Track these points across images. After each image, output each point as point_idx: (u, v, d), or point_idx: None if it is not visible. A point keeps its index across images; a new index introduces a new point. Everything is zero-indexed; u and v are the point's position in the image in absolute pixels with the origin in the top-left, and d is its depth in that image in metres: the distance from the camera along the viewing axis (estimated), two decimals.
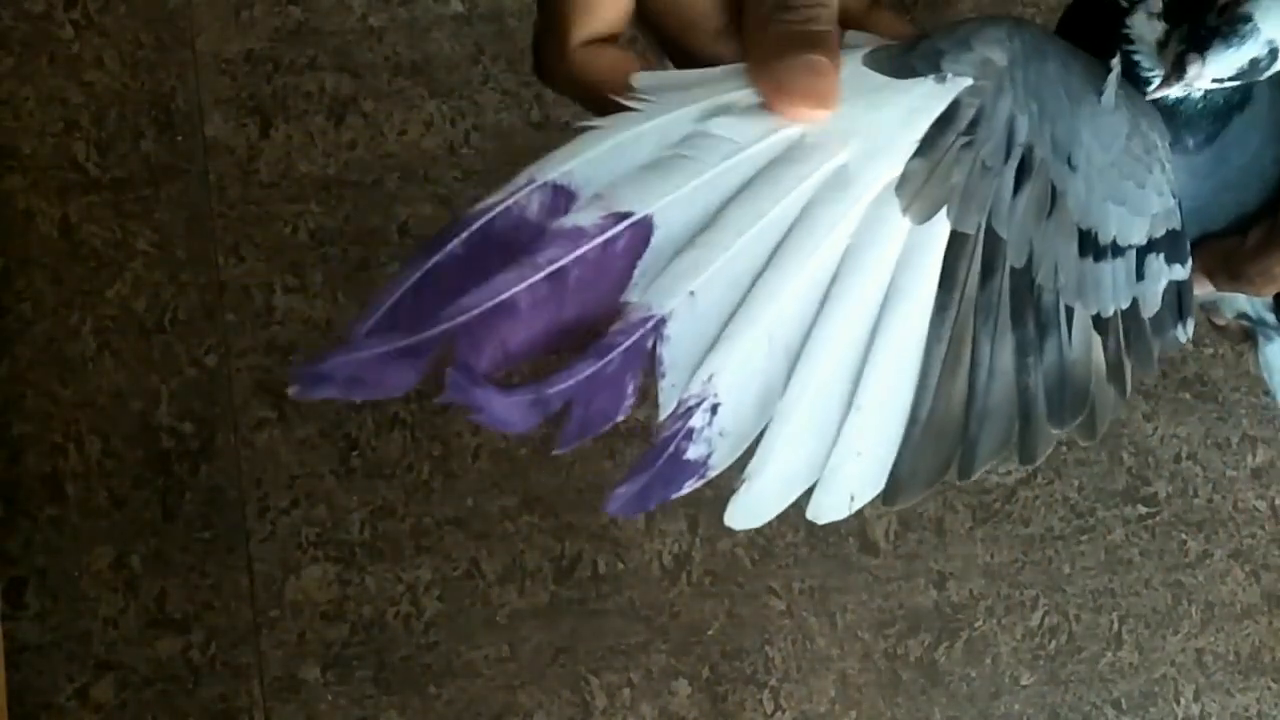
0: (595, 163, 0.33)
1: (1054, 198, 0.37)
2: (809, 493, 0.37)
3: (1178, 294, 0.41)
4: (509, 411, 0.31)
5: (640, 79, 0.34)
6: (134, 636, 1.04)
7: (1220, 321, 0.54)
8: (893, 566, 1.11)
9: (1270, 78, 0.40)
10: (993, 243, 0.36)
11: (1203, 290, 0.46)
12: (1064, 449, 1.13)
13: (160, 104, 1.06)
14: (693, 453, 0.34)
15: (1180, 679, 1.13)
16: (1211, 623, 1.13)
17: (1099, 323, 0.39)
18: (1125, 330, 0.40)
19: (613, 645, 1.08)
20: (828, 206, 0.34)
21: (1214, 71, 0.38)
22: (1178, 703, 1.12)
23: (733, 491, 0.35)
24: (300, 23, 1.08)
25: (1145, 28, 0.40)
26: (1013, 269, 0.37)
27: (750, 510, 0.36)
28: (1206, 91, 0.40)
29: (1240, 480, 1.15)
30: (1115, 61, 0.39)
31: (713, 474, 0.35)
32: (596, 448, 1.08)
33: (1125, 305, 0.39)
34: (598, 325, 0.32)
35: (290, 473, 1.06)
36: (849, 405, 0.36)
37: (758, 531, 1.09)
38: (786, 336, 0.35)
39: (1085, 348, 0.39)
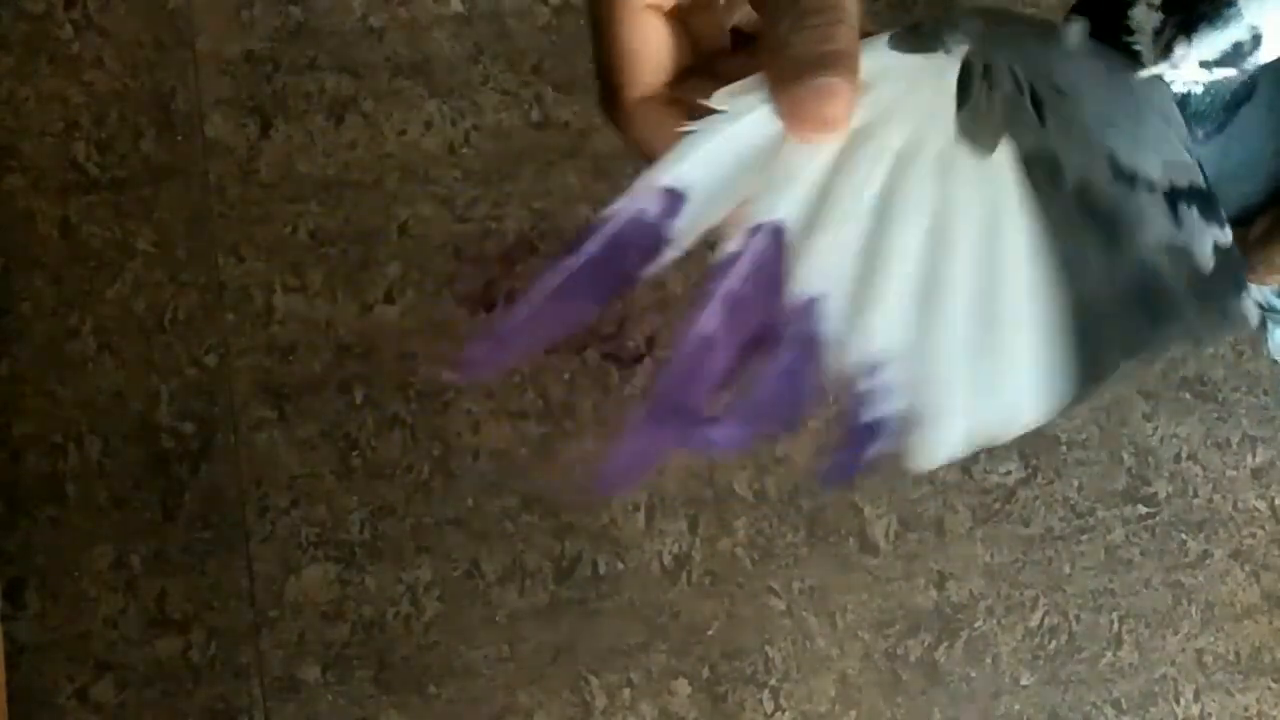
0: (699, 165, 0.36)
1: (1068, 124, 0.40)
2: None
3: (1228, 259, 0.43)
4: (731, 431, 0.35)
5: (719, 95, 0.37)
6: (134, 636, 1.04)
7: None
8: (893, 566, 1.11)
9: (1273, 73, 0.41)
10: (1048, 157, 0.40)
11: None
12: (1064, 449, 1.13)
13: (160, 104, 1.06)
14: (878, 412, 0.37)
15: (1180, 679, 1.13)
16: (1211, 623, 1.13)
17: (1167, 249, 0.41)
18: (1190, 274, 0.41)
19: (613, 645, 1.08)
20: (907, 180, 0.38)
21: (1200, 53, 0.40)
22: (1178, 703, 1.12)
23: (909, 436, 0.38)
24: (300, 23, 1.08)
25: (1144, 18, 0.43)
26: (1075, 179, 0.40)
27: (938, 446, 0.39)
28: (1212, 84, 0.42)
29: (1240, 480, 1.15)
30: (1075, 20, 0.42)
31: (909, 422, 0.37)
32: (596, 447, 1.08)
33: (1174, 244, 0.41)
34: (773, 328, 0.36)
35: (290, 473, 1.06)
36: (997, 323, 0.39)
37: (757, 531, 1.10)
38: (920, 284, 0.38)
39: (1159, 252, 0.41)
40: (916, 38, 0.39)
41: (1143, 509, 1.13)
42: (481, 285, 1.08)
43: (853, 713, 1.10)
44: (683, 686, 1.09)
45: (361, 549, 1.06)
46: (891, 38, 0.39)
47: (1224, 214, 0.43)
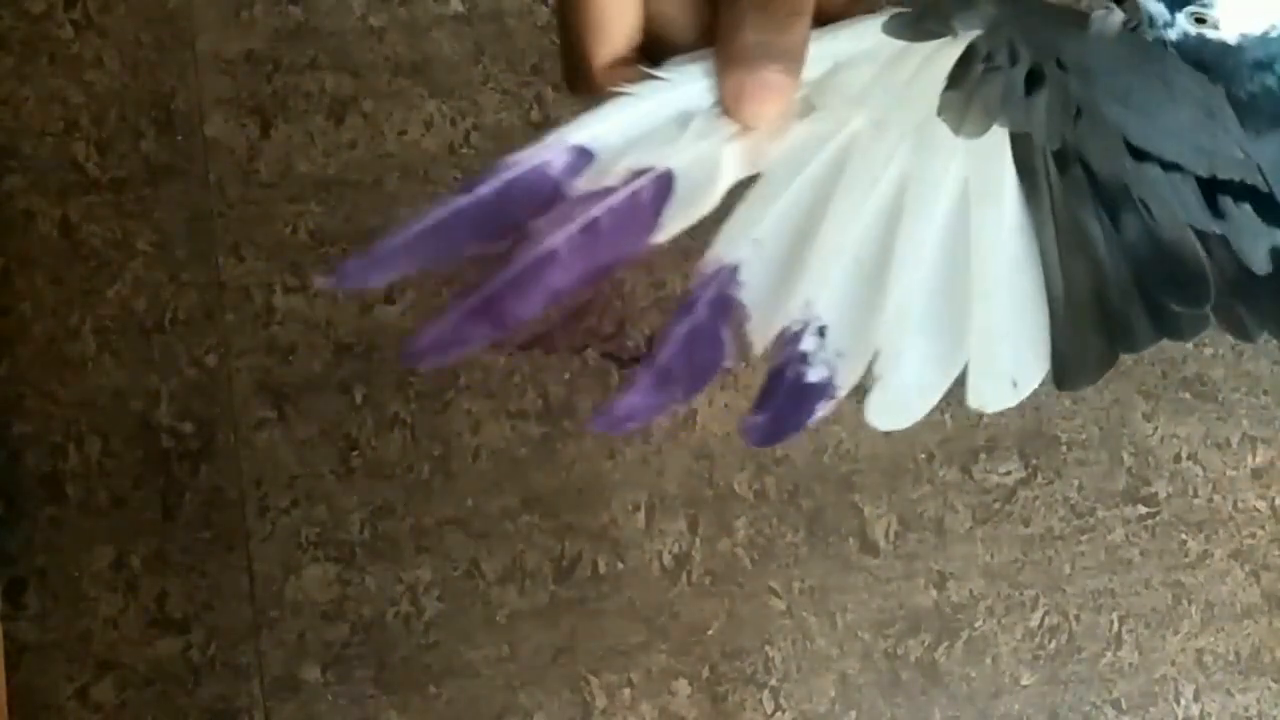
0: (619, 127, 0.36)
1: (1078, 106, 0.39)
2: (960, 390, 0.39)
3: None
4: (645, 397, 0.35)
5: (672, 61, 0.37)
6: (134, 636, 1.04)
7: None
8: (893, 566, 1.11)
9: None
10: (1048, 134, 0.39)
11: None
12: (1064, 449, 1.13)
13: (160, 104, 1.06)
14: (814, 375, 0.37)
15: (1180, 679, 1.13)
16: (1211, 623, 1.13)
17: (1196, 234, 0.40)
18: (1227, 264, 0.40)
19: (613, 645, 1.08)
20: (865, 157, 0.37)
21: None
22: (1178, 703, 1.12)
23: (865, 392, 0.37)
24: (300, 23, 1.08)
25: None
26: (1081, 161, 0.39)
27: (895, 407, 0.38)
28: (1263, 80, 0.42)
29: (1240, 480, 1.15)
30: (1110, 8, 0.41)
31: (841, 393, 0.37)
32: (596, 447, 1.08)
33: (1207, 229, 0.40)
34: (629, 264, 0.36)
35: (290, 473, 1.06)
36: (968, 295, 0.38)
37: (757, 531, 1.10)
38: (873, 256, 0.37)
39: (1179, 229, 0.39)
40: (918, 24, 0.38)
41: (1143, 509, 1.13)
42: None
43: (853, 713, 1.10)
44: (683, 686, 1.09)
45: (361, 549, 1.06)
46: (888, 21, 0.38)
47: None
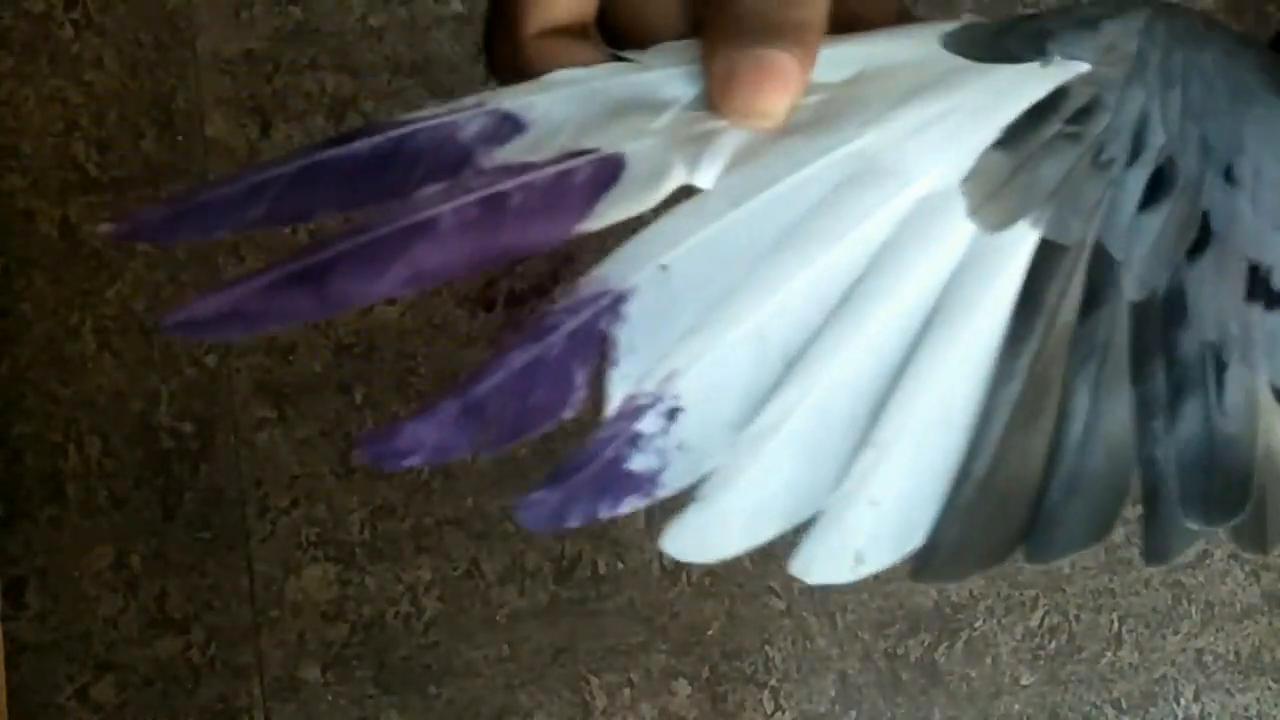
0: (564, 100, 0.28)
1: (1206, 223, 0.28)
2: (795, 539, 0.30)
3: None
4: (442, 433, 0.27)
5: (652, 49, 0.29)
6: (134, 636, 1.04)
7: None
8: (893, 566, 1.10)
9: None
10: (1102, 263, 0.28)
11: None
12: None
13: (160, 104, 1.06)
14: (638, 464, 0.29)
15: (1180, 679, 1.13)
16: (1211, 623, 1.13)
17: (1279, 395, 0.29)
18: None
19: (613, 645, 1.08)
20: (857, 192, 0.28)
21: None
22: (1178, 703, 1.12)
23: (680, 509, 0.30)
24: (300, 23, 1.08)
25: None
26: (1135, 304, 0.29)
27: (698, 538, 0.30)
28: None
29: None
30: None
31: (663, 493, 0.29)
32: None
33: None
34: (538, 254, 0.28)
35: (290, 473, 1.06)
36: (864, 437, 0.29)
37: None
38: (786, 340, 0.28)
39: (1248, 422, 0.29)
40: (1000, 41, 0.28)
41: (1143, 509, 1.13)
42: (481, 285, 1.08)
43: (853, 713, 1.10)
44: (683, 686, 1.09)
45: (361, 549, 1.06)
46: (957, 32, 0.28)
47: None
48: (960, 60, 0.28)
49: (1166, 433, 0.29)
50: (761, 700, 1.09)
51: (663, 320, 0.28)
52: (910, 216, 0.28)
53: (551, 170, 0.27)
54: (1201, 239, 0.28)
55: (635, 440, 0.28)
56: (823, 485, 0.29)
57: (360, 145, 0.27)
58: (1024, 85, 0.28)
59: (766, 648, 1.09)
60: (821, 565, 0.31)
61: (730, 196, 0.27)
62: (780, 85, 0.27)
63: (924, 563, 0.31)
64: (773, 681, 1.09)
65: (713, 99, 0.27)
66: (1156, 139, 0.28)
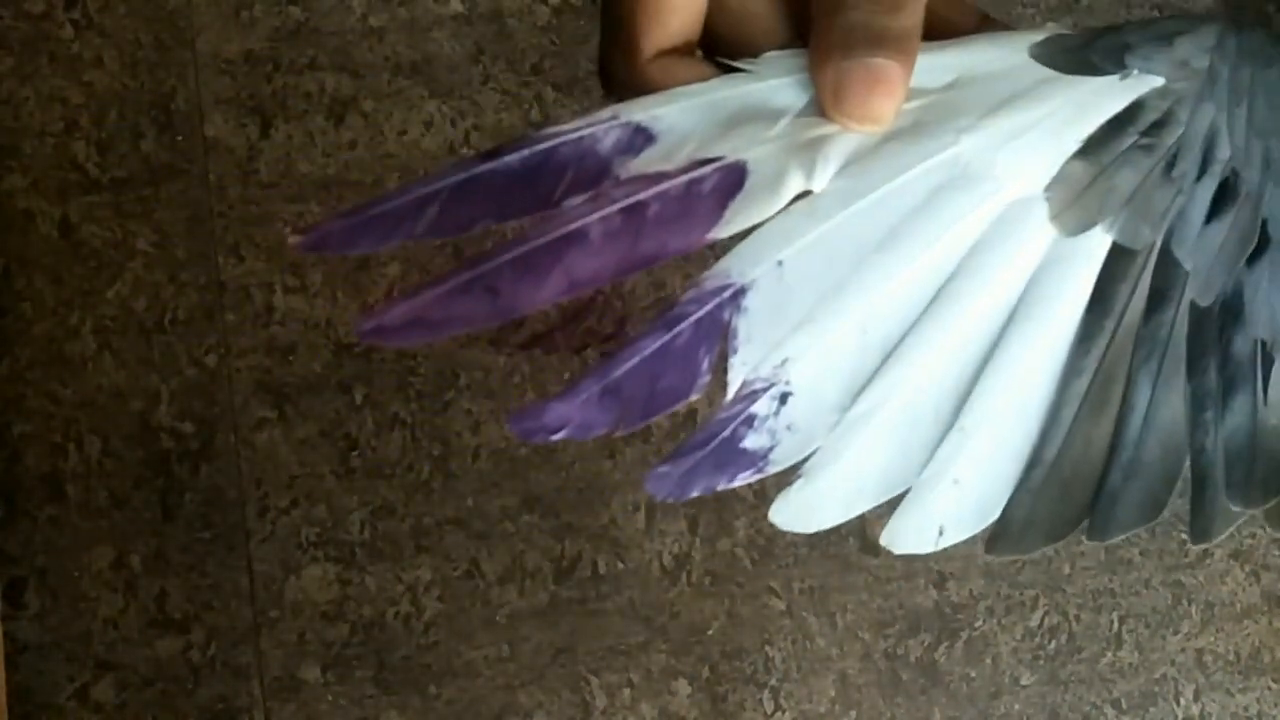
0: (689, 111, 0.30)
1: (1265, 231, 0.31)
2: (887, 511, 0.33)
3: None
4: (585, 412, 0.30)
5: (764, 57, 0.31)
6: (134, 636, 1.04)
7: None
8: (893, 566, 1.11)
9: None
10: (1169, 268, 0.31)
11: None
12: None
13: (160, 104, 1.06)
14: (751, 441, 0.31)
15: (1180, 679, 1.13)
16: (1211, 623, 1.13)
17: None
18: None
19: (613, 645, 1.08)
20: (953, 196, 0.30)
21: None
22: (1178, 703, 1.12)
23: (786, 485, 0.32)
24: (300, 23, 1.08)
25: None
26: (1195, 305, 0.31)
27: (803, 511, 0.32)
28: None
29: None
30: None
31: (772, 469, 0.32)
32: (596, 446, 1.08)
33: None
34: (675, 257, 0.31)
35: (290, 473, 1.06)
36: (950, 423, 0.32)
37: (757, 531, 1.09)
38: (885, 331, 0.31)
39: None
40: (1083, 53, 0.30)
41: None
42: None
43: (853, 713, 1.10)
44: (683, 686, 1.09)
45: (361, 549, 1.06)
46: (1043, 43, 0.30)
47: None
48: (1047, 71, 0.30)
49: (1216, 423, 0.32)
50: (761, 700, 1.09)
51: (777, 312, 0.30)
52: (999, 220, 0.30)
53: (683, 179, 0.29)
54: (1260, 246, 0.31)
55: (750, 420, 0.31)
56: (912, 465, 0.32)
57: (511, 159, 0.29)
58: (1104, 98, 0.30)
59: (766, 648, 1.09)
60: (907, 537, 0.33)
61: (840, 198, 0.30)
62: (886, 91, 0.29)
63: (997, 537, 0.33)
64: (773, 681, 1.09)
65: (824, 105, 0.30)
66: (1223, 152, 0.30)
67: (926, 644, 1.11)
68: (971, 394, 0.31)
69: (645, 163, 0.30)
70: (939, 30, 0.31)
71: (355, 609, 1.06)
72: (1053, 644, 1.12)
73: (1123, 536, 0.33)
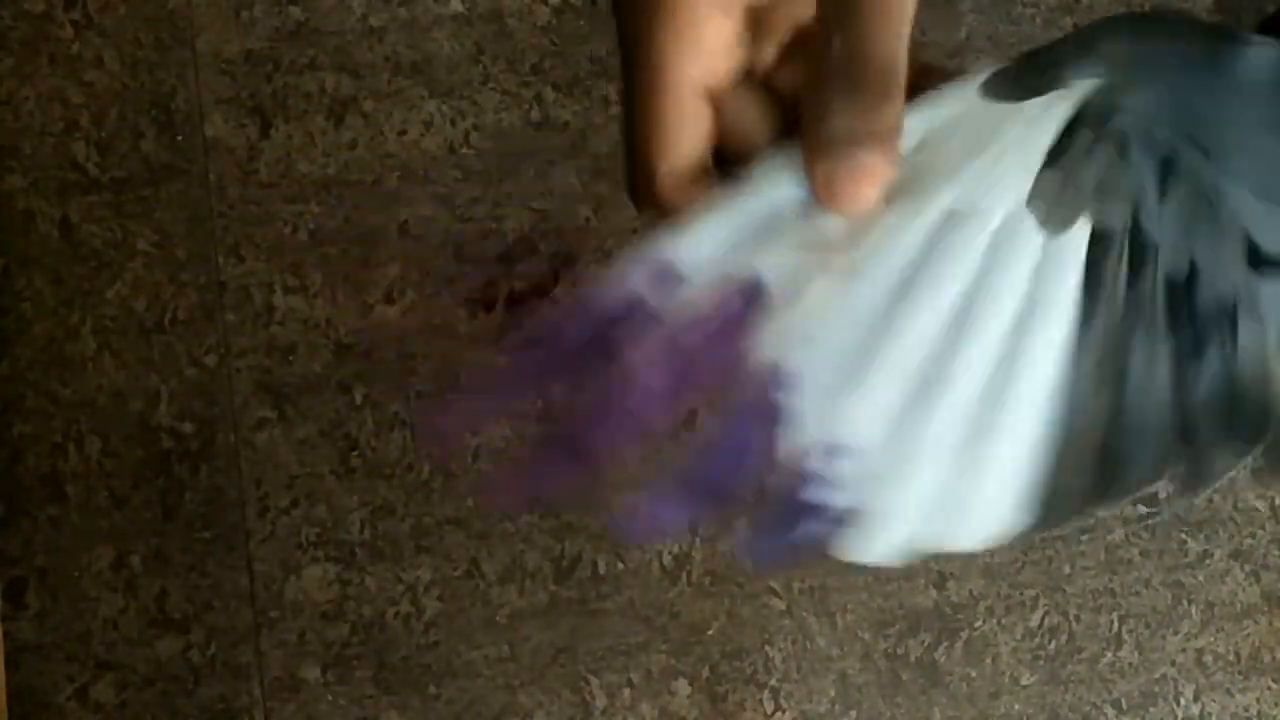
0: (706, 238, 0.33)
1: (1208, 199, 0.34)
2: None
3: None
4: (677, 512, 0.33)
5: (755, 165, 0.34)
6: (134, 636, 1.04)
7: None
8: (892, 566, 1.11)
9: None
10: (1142, 243, 0.34)
11: None
12: None
13: (160, 104, 1.07)
14: (811, 495, 0.34)
15: (1180, 679, 1.13)
16: (1211, 623, 1.13)
17: None
18: None
19: (613, 645, 1.08)
20: (950, 239, 0.33)
21: None
22: (1178, 703, 1.12)
23: (847, 529, 0.35)
24: (300, 23, 1.08)
25: None
26: (1168, 274, 0.34)
27: (865, 543, 0.35)
28: None
29: (1240, 480, 1.15)
30: (1261, 42, 0.34)
31: (834, 515, 0.35)
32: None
33: None
34: (724, 379, 0.34)
35: (290, 473, 1.06)
36: (991, 430, 0.34)
37: None
38: (917, 369, 0.34)
39: (1261, 363, 0.35)
40: (1023, 80, 0.33)
41: (1143, 509, 1.13)
42: (481, 285, 1.08)
43: (853, 713, 1.10)
44: (683, 686, 1.09)
45: (361, 549, 1.06)
46: (987, 82, 0.33)
47: None
48: (1000, 105, 0.33)
49: (1195, 377, 0.34)
50: (761, 700, 1.09)
51: (817, 380, 0.33)
52: (994, 243, 0.33)
53: (715, 307, 0.33)
54: (1209, 214, 0.34)
55: (807, 478, 0.34)
56: (956, 475, 0.35)
57: (571, 329, 0.33)
58: (1053, 111, 0.33)
59: (766, 648, 1.09)
60: (968, 537, 0.35)
61: (851, 269, 0.33)
62: (871, 182, 0.32)
63: (1039, 519, 0.35)
64: (773, 681, 1.09)
65: (818, 199, 0.33)
66: (1162, 132, 0.33)
67: (926, 644, 1.11)
68: (1004, 398, 0.34)
69: (680, 297, 0.33)
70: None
71: (355, 609, 1.06)
72: (1053, 644, 1.12)
73: (1132, 500, 0.35)
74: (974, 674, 1.11)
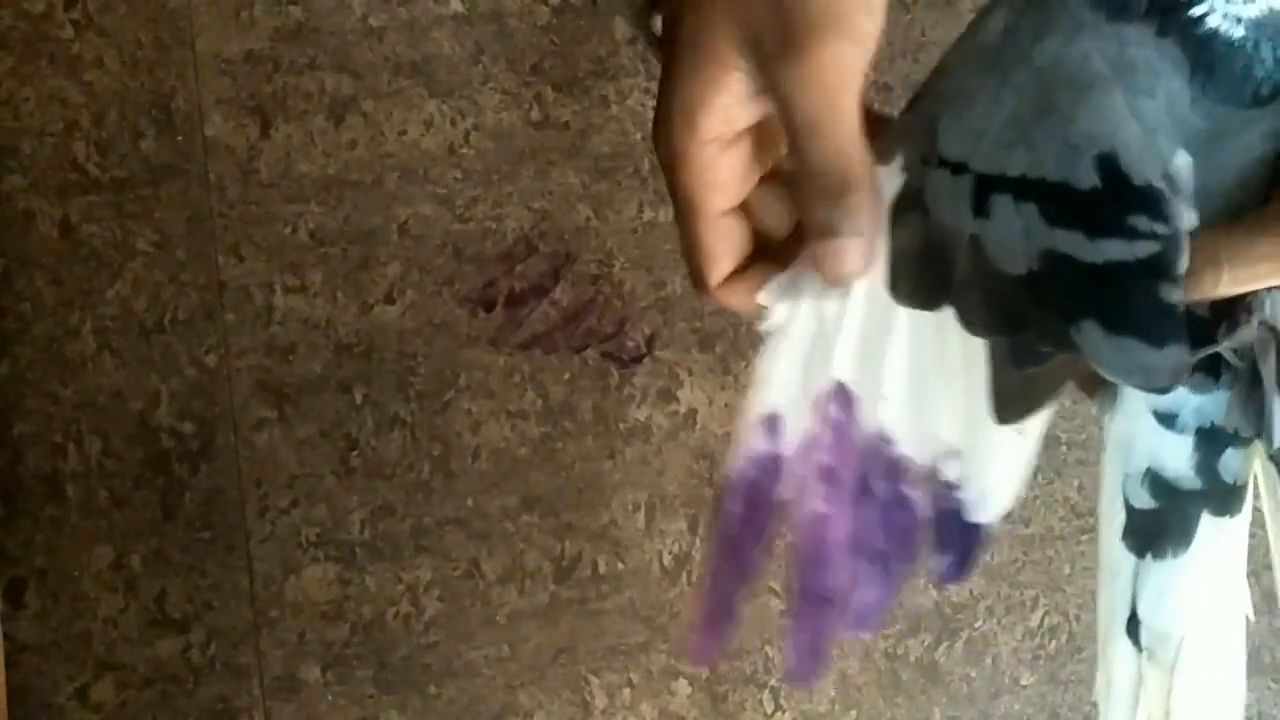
0: (776, 376, 0.40)
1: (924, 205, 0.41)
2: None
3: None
4: (881, 590, 0.40)
5: (763, 296, 0.40)
6: (134, 636, 1.04)
7: None
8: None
9: None
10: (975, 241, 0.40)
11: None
12: (1064, 449, 1.13)
13: (160, 104, 1.06)
14: (954, 503, 0.40)
15: None
16: None
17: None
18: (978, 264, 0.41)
19: (613, 645, 1.08)
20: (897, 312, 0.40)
21: None
22: None
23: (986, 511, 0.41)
24: (300, 23, 1.08)
25: None
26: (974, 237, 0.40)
27: (991, 499, 0.41)
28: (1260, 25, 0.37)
29: None
30: None
31: (979, 510, 0.41)
32: (596, 447, 1.08)
33: (965, 230, 0.39)
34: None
35: (290, 473, 1.06)
36: (974, 374, 0.40)
37: None
38: (940, 367, 0.40)
39: (944, 231, 0.41)
40: (884, 157, 0.39)
41: None
42: (481, 285, 1.08)
43: (853, 713, 1.10)
44: (683, 686, 1.09)
45: (361, 549, 1.06)
46: (890, 207, 0.40)
47: (1174, 211, 0.37)
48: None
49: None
50: (761, 700, 1.09)
51: (904, 414, 0.40)
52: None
53: (823, 425, 0.40)
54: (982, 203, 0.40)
55: (949, 491, 0.41)
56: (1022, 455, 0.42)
57: (734, 511, 0.40)
58: (889, 182, 0.40)
59: (766, 648, 1.09)
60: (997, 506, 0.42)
61: (879, 324, 0.40)
62: (851, 258, 0.38)
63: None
64: (773, 681, 1.09)
65: (823, 280, 0.39)
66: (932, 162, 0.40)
67: (926, 644, 1.11)
68: (974, 381, 0.40)
69: (791, 434, 0.40)
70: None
71: (355, 609, 1.06)
72: (1053, 644, 1.12)
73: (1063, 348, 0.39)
74: (974, 674, 1.11)
